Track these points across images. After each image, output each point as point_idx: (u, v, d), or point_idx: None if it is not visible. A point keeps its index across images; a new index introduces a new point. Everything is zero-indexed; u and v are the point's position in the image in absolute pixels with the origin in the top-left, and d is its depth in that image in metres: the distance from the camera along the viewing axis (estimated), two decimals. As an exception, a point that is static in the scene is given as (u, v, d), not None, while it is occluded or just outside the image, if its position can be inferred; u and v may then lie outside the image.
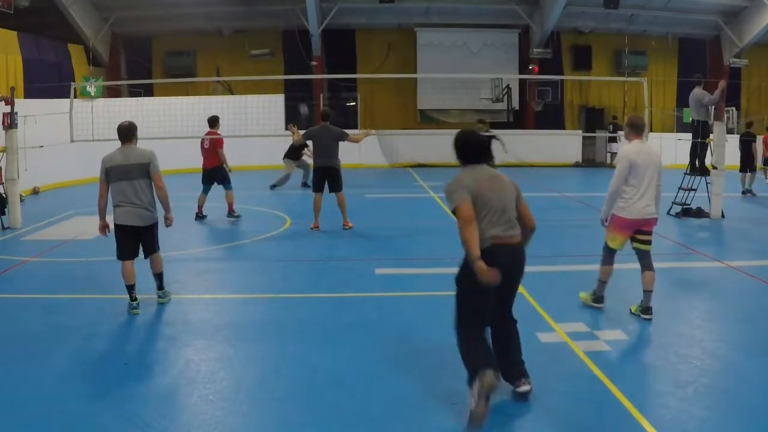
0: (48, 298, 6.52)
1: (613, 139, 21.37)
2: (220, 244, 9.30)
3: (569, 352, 4.92)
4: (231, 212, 11.03)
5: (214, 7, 21.25)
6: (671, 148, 19.39)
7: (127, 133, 5.92)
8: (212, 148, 11.00)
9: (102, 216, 6.04)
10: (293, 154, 15.18)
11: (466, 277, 4.06)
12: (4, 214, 10.05)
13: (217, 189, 11.01)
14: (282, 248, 8.98)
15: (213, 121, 11.32)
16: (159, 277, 6.22)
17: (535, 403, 4.15)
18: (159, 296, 6.22)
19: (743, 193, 14.36)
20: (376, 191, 15.06)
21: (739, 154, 14.85)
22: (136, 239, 5.96)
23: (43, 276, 7.42)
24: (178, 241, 9.68)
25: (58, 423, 3.88)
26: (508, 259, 4.04)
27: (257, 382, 4.50)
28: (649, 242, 5.75)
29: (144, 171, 5.85)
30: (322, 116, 10.20)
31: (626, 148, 5.68)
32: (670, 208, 11.36)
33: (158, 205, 6.10)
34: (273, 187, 15.05)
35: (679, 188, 11.29)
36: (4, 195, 10.10)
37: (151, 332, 5.49)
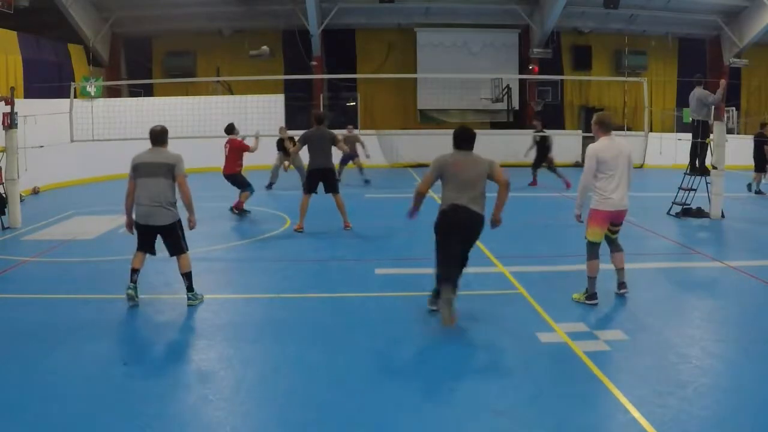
0: (48, 298, 6.52)
1: None
2: (220, 244, 9.30)
3: (569, 352, 4.92)
4: (235, 208, 11.24)
5: (214, 7, 21.25)
6: (671, 148, 19.42)
7: (158, 137, 6.11)
8: (230, 155, 11.25)
9: (128, 213, 6.10)
10: (281, 147, 15.34)
11: (437, 229, 5.66)
12: (4, 214, 10.05)
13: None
14: (282, 248, 8.98)
15: (230, 129, 11.59)
16: (186, 277, 6.07)
17: (535, 403, 4.15)
18: (189, 298, 6.10)
19: (756, 192, 14.35)
20: (376, 191, 15.06)
21: (750, 155, 14.97)
22: (153, 237, 6.06)
23: (43, 276, 7.42)
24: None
25: (57, 423, 3.87)
26: (464, 218, 5.53)
27: (257, 382, 4.51)
28: (618, 231, 6.17)
29: (168, 171, 5.92)
30: (316, 119, 10.26)
31: (593, 146, 5.96)
32: (670, 208, 11.36)
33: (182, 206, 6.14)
34: (270, 186, 15.09)
35: (679, 188, 11.29)
36: (4, 195, 10.10)
37: (151, 332, 5.49)
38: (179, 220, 6.06)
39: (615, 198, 5.85)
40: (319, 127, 10.06)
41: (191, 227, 6.17)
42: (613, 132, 6.05)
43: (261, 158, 18.02)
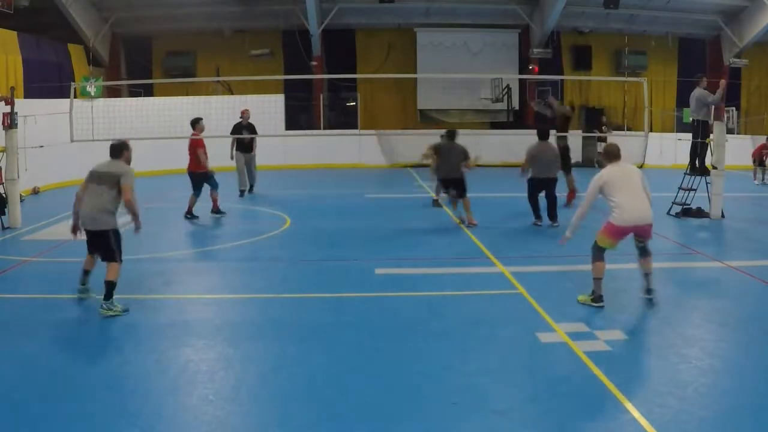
0: (48, 298, 6.52)
1: (602, 140, 21.36)
2: (220, 244, 9.30)
3: (569, 352, 4.92)
4: (188, 213, 10.86)
5: (214, 7, 21.24)
6: (671, 148, 19.42)
7: (114, 150, 6.41)
8: (190, 150, 10.97)
9: (75, 217, 6.26)
10: (245, 147, 13.79)
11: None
12: (4, 214, 10.05)
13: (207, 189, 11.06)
14: (282, 248, 8.98)
15: (193, 123, 11.17)
16: (108, 285, 5.92)
17: (535, 403, 4.15)
18: (101, 306, 5.89)
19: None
20: (376, 191, 15.05)
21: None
22: (92, 241, 6.23)
23: (43, 276, 7.42)
24: (177, 241, 9.70)
25: (57, 423, 3.88)
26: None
27: (257, 382, 4.51)
28: (645, 242, 6.10)
29: (115, 182, 6.12)
30: (448, 135, 10.72)
31: (599, 173, 6.19)
32: (670, 208, 11.36)
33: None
34: (250, 189, 14.01)
35: (679, 188, 11.28)
36: (4, 195, 10.09)
37: (151, 332, 5.48)
38: (115, 230, 6.14)
39: (631, 213, 5.87)
40: (451, 142, 10.56)
41: (136, 231, 6.35)
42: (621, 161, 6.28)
43: (270, 159, 18.17)
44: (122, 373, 4.60)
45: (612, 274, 7.22)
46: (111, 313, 5.84)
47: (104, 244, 6.11)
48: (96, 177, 6.21)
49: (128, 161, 6.40)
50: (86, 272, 6.32)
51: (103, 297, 5.92)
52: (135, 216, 6.27)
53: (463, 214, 10.25)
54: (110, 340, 5.28)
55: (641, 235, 6.01)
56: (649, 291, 6.08)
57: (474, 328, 5.49)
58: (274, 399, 4.24)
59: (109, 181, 6.12)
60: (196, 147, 10.90)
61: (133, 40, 22.73)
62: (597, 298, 5.99)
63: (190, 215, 10.86)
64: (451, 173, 10.33)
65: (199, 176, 10.88)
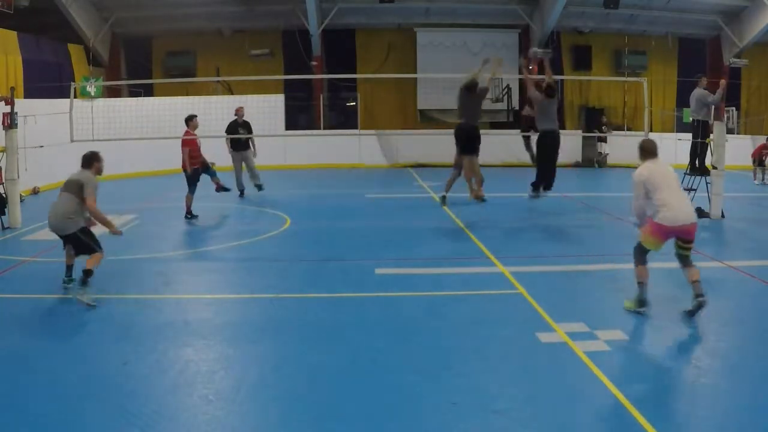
0: (47, 298, 6.52)
1: (602, 140, 21.36)
2: (219, 244, 9.30)
3: (569, 352, 4.91)
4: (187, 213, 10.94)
5: (214, 7, 21.24)
6: (671, 148, 19.42)
7: (83, 160, 6.75)
8: (182, 149, 11.09)
9: None
10: (241, 145, 13.46)
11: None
12: (4, 214, 10.05)
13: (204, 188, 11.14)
14: (282, 248, 8.98)
15: (186, 120, 11.28)
16: (85, 273, 6.24)
17: (535, 402, 4.15)
18: (77, 290, 6.25)
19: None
20: (376, 191, 15.05)
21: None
22: (64, 242, 6.61)
23: (43, 276, 7.41)
24: (177, 241, 9.70)
25: (57, 423, 3.88)
26: None
27: (257, 382, 4.50)
28: (690, 249, 5.85)
29: (79, 189, 6.45)
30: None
31: (637, 171, 5.88)
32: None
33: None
34: (260, 188, 13.82)
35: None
36: (4, 195, 10.09)
37: (151, 332, 5.48)
38: (81, 228, 6.46)
39: (678, 211, 5.63)
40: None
41: (118, 234, 6.78)
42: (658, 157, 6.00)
43: (270, 159, 18.16)
44: (122, 373, 4.60)
45: (612, 274, 7.23)
46: (84, 299, 6.07)
47: (75, 243, 6.49)
48: (65, 185, 6.62)
49: (98, 172, 6.73)
50: (68, 267, 6.75)
51: (80, 282, 6.24)
52: (102, 223, 6.62)
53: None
54: (110, 340, 5.27)
55: (686, 235, 5.75)
56: (698, 296, 5.74)
57: (474, 328, 5.49)
58: (274, 399, 4.24)
59: (73, 189, 6.48)
60: (184, 146, 10.98)
61: (133, 40, 22.73)
62: (642, 302, 5.82)
63: (189, 215, 10.86)
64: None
65: (193, 173, 10.91)
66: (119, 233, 6.77)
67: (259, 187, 13.65)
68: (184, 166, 11.00)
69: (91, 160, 6.70)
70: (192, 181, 10.94)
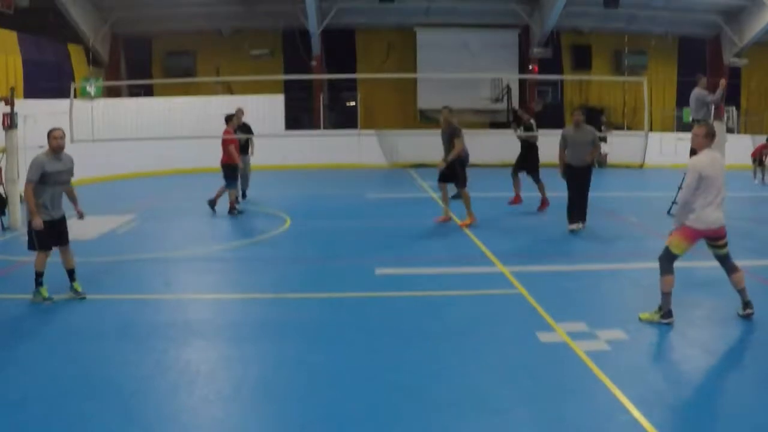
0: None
1: (602, 139, 21.33)
2: (220, 244, 9.30)
3: (569, 352, 4.91)
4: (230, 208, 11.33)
5: (214, 7, 21.25)
6: (671, 148, 19.42)
7: None
8: (222, 146, 11.50)
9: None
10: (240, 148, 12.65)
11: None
12: (4, 214, 10.05)
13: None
14: (282, 248, 8.98)
15: (227, 119, 11.76)
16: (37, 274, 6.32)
17: (535, 402, 4.15)
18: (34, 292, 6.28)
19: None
20: (376, 191, 15.05)
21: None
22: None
23: (43, 276, 7.40)
24: (177, 241, 9.70)
25: (57, 423, 3.87)
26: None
27: (257, 382, 4.50)
28: (725, 246, 5.60)
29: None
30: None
31: (697, 159, 5.45)
32: (671, 207, 11.35)
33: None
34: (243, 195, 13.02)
35: (679, 188, 11.27)
36: (4, 195, 10.10)
37: (151, 332, 5.48)
38: (28, 222, 6.31)
39: (711, 217, 5.35)
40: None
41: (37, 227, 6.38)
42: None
43: (269, 159, 18.15)
44: (122, 373, 4.60)
45: (613, 274, 7.24)
46: (37, 298, 6.20)
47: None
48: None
49: (54, 150, 6.40)
50: (66, 270, 6.62)
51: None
52: (29, 211, 6.23)
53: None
54: (110, 341, 5.27)
55: (716, 237, 5.48)
56: (746, 305, 5.59)
57: (474, 328, 5.49)
58: (274, 399, 4.24)
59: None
60: (227, 143, 11.37)
61: (133, 40, 22.73)
62: (667, 313, 5.50)
63: (235, 211, 11.25)
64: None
65: (232, 168, 11.31)
66: (38, 226, 6.16)
67: (244, 194, 13.08)
68: (227, 161, 11.31)
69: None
70: (233, 176, 11.37)
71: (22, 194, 9.11)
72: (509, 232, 10.02)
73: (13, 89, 10.87)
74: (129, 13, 21.41)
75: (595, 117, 22.96)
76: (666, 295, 5.51)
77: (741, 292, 5.62)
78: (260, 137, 16.52)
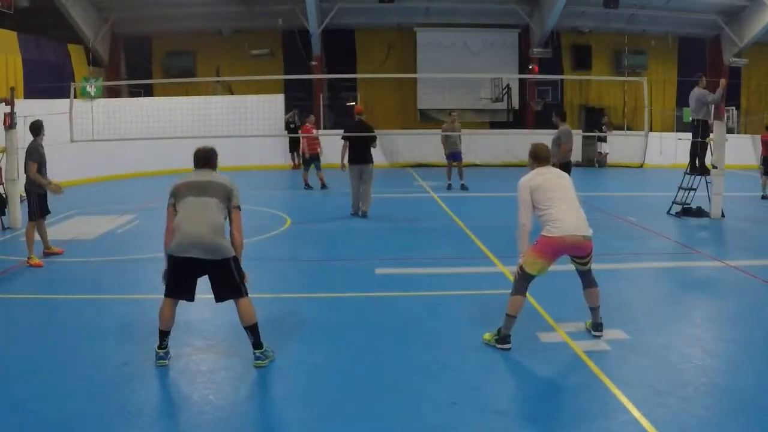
0: (48, 298, 6.52)
1: (602, 139, 21.36)
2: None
3: (569, 352, 4.91)
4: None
5: (214, 7, 21.24)
6: (671, 148, 19.42)
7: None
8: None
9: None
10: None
11: None
12: (4, 214, 10.05)
13: None
14: (282, 248, 8.98)
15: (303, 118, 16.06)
16: None
17: (535, 402, 4.15)
18: None
19: (763, 197, 13.54)
20: (376, 191, 15.02)
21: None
22: None
23: (43, 276, 7.42)
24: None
25: (57, 423, 3.87)
26: None
27: (257, 382, 4.50)
28: (587, 263, 5.23)
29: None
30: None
31: (524, 178, 5.23)
32: (671, 207, 11.36)
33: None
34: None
35: (679, 188, 11.29)
36: (4, 195, 10.10)
37: (151, 332, 5.48)
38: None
39: (567, 222, 4.93)
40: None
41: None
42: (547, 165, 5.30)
43: (269, 159, 18.17)
44: (122, 373, 4.60)
45: (613, 274, 7.24)
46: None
47: None
48: None
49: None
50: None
51: None
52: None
53: None
54: (110, 341, 5.27)
55: (579, 252, 5.10)
56: (597, 326, 5.24)
57: (474, 328, 5.48)
58: (274, 399, 4.24)
59: None
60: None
61: (133, 40, 22.73)
62: (504, 338, 4.97)
63: (307, 186, 15.07)
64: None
65: (310, 157, 14.95)
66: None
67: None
68: (302, 150, 15.31)
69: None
70: (311, 162, 15.03)
71: (22, 194, 9.14)
72: (509, 232, 10.00)
73: (13, 89, 10.87)
74: (129, 13, 21.41)
75: (595, 117, 23.02)
76: (509, 318, 4.96)
77: (594, 311, 5.26)
78: (260, 137, 16.56)
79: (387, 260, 8.04)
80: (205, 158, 5.02)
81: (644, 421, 3.77)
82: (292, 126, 17.96)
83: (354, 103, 21.71)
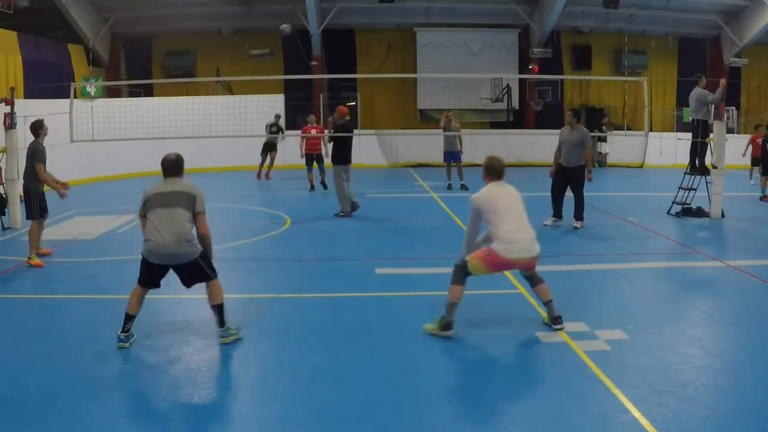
0: (48, 298, 6.52)
1: (602, 139, 21.36)
2: (220, 244, 9.28)
3: (569, 352, 4.92)
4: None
5: (214, 7, 21.24)
6: (671, 148, 19.43)
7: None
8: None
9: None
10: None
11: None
12: (4, 214, 10.05)
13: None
14: (282, 248, 8.98)
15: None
16: None
17: (535, 402, 4.15)
18: None
19: (762, 198, 13.44)
20: (376, 191, 15.05)
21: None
22: None
23: (43, 276, 7.42)
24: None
25: (57, 423, 3.87)
26: None
27: (257, 382, 4.51)
28: (532, 272, 5.39)
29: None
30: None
31: (476, 194, 5.31)
32: (670, 207, 11.36)
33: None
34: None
35: (679, 188, 11.29)
36: (4, 195, 10.10)
37: (151, 332, 5.48)
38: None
39: (517, 245, 5.07)
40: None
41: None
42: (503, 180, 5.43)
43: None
44: (122, 373, 4.60)
45: (613, 274, 7.24)
46: None
47: None
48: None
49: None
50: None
51: None
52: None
53: None
54: (110, 341, 5.27)
55: (527, 268, 5.27)
56: (555, 320, 5.32)
57: (474, 328, 5.49)
58: (274, 399, 4.24)
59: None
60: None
61: (133, 40, 22.74)
62: (446, 325, 5.16)
63: (312, 188, 14.85)
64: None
65: (316, 157, 14.97)
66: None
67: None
68: (302, 151, 15.05)
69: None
70: (312, 162, 14.96)
71: (22, 194, 9.14)
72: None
73: (13, 89, 10.87)
74: (129, 13, 21.42)
75: (596, 117, 23.02)
76: (450, 305, 5.15)
77: (548, 305, 5.34)
78: (260, 137, 16.55)
79: (387, 260, 8.04)
80: (172, 168, 5.30)
81: (644, 421, 3.77)
82: (273, 129, 16.85)
83: (354, 103, 21.74)
